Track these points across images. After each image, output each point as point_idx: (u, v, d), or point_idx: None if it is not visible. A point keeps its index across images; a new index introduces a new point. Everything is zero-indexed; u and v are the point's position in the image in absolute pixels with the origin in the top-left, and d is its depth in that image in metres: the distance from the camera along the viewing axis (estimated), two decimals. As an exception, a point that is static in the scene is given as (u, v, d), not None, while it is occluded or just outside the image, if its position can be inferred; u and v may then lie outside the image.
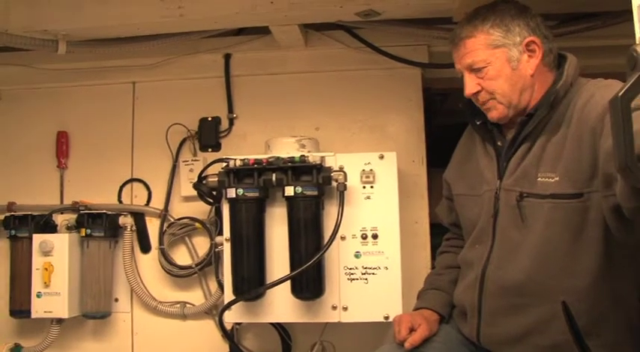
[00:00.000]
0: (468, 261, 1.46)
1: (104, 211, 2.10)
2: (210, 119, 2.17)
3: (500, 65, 1.35)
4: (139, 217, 2.18)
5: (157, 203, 2.18)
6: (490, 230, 1.39)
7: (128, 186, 2.22)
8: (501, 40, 1.35)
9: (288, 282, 1.74)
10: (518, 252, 1.32)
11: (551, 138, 1.30)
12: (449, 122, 2.97)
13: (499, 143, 1.43)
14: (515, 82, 1.35)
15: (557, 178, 1.26)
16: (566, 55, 1.38)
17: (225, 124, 2.19)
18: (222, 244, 1.88)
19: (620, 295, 1.26)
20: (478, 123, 1.47)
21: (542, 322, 1.28)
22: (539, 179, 1.29)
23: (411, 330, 1.43)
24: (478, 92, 1.39)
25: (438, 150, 2.27)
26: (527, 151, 1.34)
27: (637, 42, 0.76)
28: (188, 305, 2.13)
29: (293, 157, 1.76)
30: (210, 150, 2.18)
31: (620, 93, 0.77)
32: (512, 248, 1.33)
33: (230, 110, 2.18)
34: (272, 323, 2.01)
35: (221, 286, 2.02)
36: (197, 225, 2.10)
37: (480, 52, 1.36)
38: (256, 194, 1.77)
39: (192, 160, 2.15)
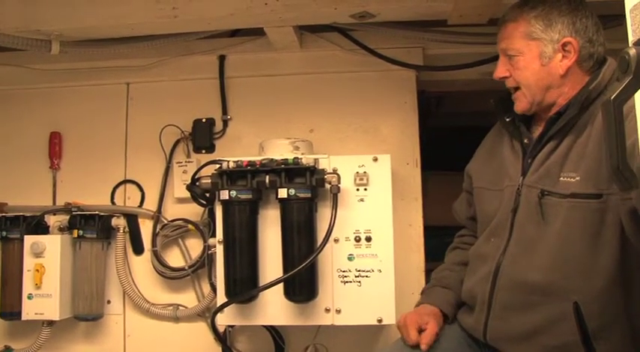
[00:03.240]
0: (482, 254, 1.45)
1: (97, 212, 2.08)
2: (204, 120, 2.16)
3: (530, 58, 1.35)
4: (131, 219, 2.17)
5: (150, 204, 2.17)
6: (508, 224, 1.38)
7: (121, 187, 2.20)
8: (539, 34, 1.34)
9: (281, 285, 1.74)
10: (534, 249, 1.31)
11: (578, 139, 1.29)
12: (444, 124, 2.99)
13: (526, 140, 1.42)
14: (541, 78, 1.35)
15: (578, 178, 1.26)
16: (607, 59, 1.36)
17: (219, 126, 2.18)
18: (215, 246, 1.87)
19: (631, 301, 1.25)
20: (508, 120, 1.47)
21: (553, 321, 1.27)
22: (561, 178, 1.29)
23: (420, 331, 1.43)
24: (506, 77, 1.40)
25: (433, 153, 2.28)
26: (553, 150, 1.33)
27: (630, 45, 0.76)
28: (181, 308, 2.12)
29: (286, 159, 1.75)
30: (204, 151, 2.17)
31: (612, 97, 0.78)
32: (529, 244, 1.33)
33: (224, 111, 2.17)
34: (265, 326, 1.99)
35: (214, 288, 2.01)
36: (190, 226, 2.09)
37: (516, 40, 1.36)
38: (249, 196, 1.76)
39: (185, 162, 2.14)
